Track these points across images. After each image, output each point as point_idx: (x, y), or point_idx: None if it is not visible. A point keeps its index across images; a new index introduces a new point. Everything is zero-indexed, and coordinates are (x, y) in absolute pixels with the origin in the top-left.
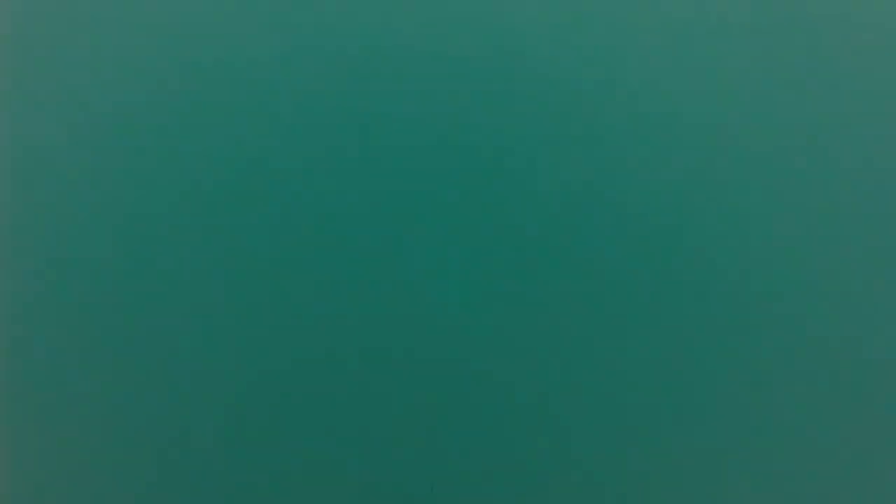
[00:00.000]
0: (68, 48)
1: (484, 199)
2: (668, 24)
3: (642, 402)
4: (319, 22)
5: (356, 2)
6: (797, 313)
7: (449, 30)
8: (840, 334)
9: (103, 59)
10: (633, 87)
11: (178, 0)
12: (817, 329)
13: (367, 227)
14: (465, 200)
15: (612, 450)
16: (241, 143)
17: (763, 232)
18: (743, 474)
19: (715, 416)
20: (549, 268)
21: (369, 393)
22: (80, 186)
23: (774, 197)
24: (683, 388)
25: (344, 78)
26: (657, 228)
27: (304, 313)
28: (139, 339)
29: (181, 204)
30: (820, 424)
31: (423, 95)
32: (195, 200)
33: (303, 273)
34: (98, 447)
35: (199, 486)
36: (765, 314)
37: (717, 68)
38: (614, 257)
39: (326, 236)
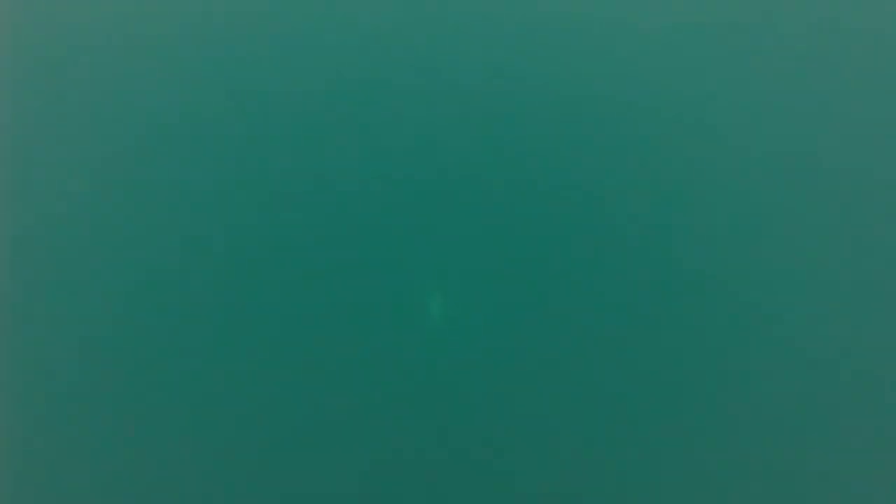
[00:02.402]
0: (68, 50)
1: (481, 202)
2: (667, 28)
3: (641, 404)
4: (322, 23)
5: (357, 6)
6: (796, 314)
7: (450, 36)
8: (838, 336)
9: (104, 61)
10: (634, 95)
11: (179, 4)
12: (816, 330)
13: (367, 230)
14: (464, 203)
15: (612, 451)
16: (244, 147)
17: (763, 234)
18: (741, 474)
19: (716, 419)
20: (549, 274)
21: (368, 395)
22: (81, 188)
23: (772, 200)
24: (683, 390)
25: (345, 84)
26: (657, 233)
27: (305, 316)
28: (139, 339)
29: (182, 207)
30: (819, 424)
31: (424, 99)
32: (196, 205)
33: (305, 277)
34: (97, 447)
35: (200, 486)
36: (764, 317)
37: (716, 72)
38: (614, 262)
39: (329, 239)
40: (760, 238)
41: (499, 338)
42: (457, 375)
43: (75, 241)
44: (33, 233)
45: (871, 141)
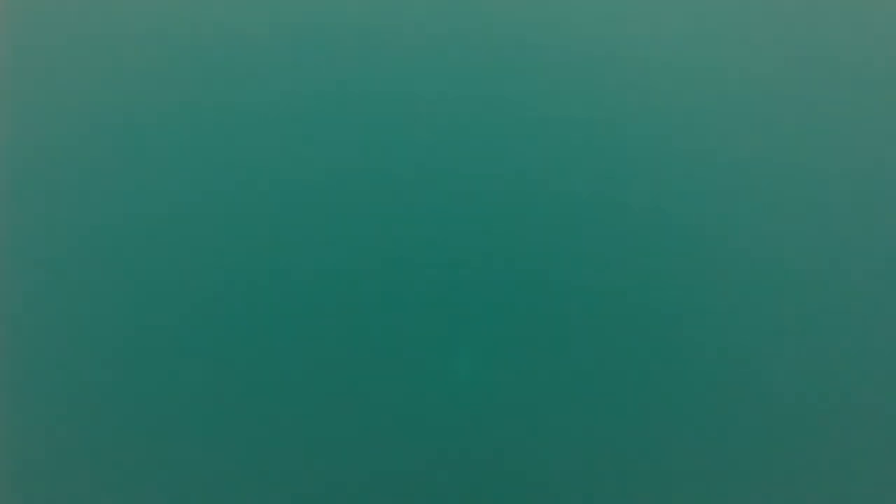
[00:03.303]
0: (68, 51)
1: (483, 201)
2: (671, 28)
3: (644, 406)
4: (326, 24)
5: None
6: (799, 315)
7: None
8: (841, 336)
9: (105, 61)
10: (637, 98)
11: (180, 4)
12: (820, 332)
13: (368, 230)
14: (465, 203)
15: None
16: (245, 148)
17: (767, 234)
18: (742, 474)
19: (719, 421)
20: (550, 277)
21: (368, 397)
22: (81, 188)
23: (775, 201)
24: (688, 391)
25: (347, 83)
26: (660, 235)
27: (306, 316)
28: (139, 339)
29: (183, 208)
30: (821, 425)
31: (428, 99)
32: (197, 206)
33: (305, 278)
34: (97, 447)
35: (199, 486)
36: (768, 317)
37: (720, 72)
38: (616, 261)
39: (330, 239)
40: (766, 239)
41: (503, 346)
42: (463, 391)
43: (73, 241)
44: (32, 234)
45: (875, 143)
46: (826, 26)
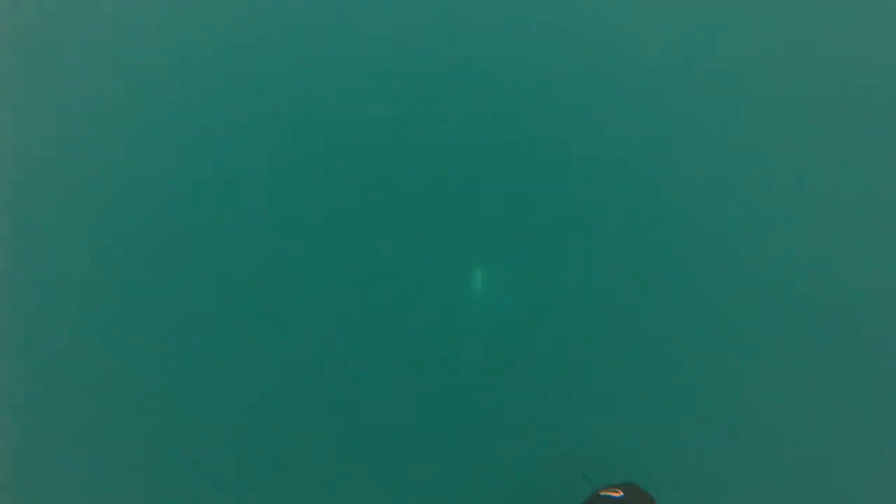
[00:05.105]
0: (67, 48)
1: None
2: (673, 25)
3: (646, 403)
4: (322, 19)
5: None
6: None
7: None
8: (844, 335)
9: (101, 58)
10: (638, 92)
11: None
12: (825, 330)
13: (367, 225)
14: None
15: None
16: (245, 148)
17: (770, 232)
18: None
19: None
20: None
21: (370, 395)
22: (79, 187)
23: (779, 199)
24: (691, 390)
25: (344, 79)
26: (663, 229)
27: (305, 315)
28: (139, 341)
29: (181, 204)
30: (823, 426)
31: (426, 94)
32: (194, 202)
33: (304, 275)
34: (97, 449)
35: (200, 488)
36: (771, 315)
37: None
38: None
39: (328, 238)
40: (769, 237)
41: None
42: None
43: (74, 241)
44: (29, 232)
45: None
46: (828, 24)
